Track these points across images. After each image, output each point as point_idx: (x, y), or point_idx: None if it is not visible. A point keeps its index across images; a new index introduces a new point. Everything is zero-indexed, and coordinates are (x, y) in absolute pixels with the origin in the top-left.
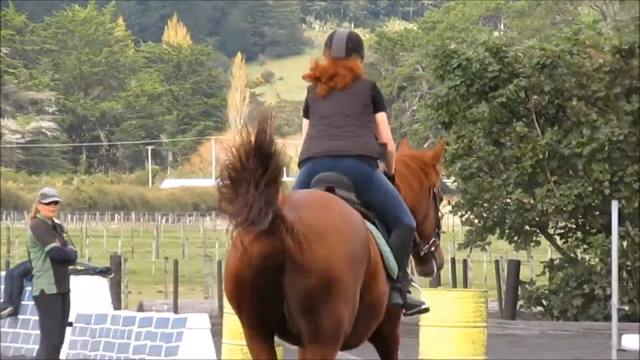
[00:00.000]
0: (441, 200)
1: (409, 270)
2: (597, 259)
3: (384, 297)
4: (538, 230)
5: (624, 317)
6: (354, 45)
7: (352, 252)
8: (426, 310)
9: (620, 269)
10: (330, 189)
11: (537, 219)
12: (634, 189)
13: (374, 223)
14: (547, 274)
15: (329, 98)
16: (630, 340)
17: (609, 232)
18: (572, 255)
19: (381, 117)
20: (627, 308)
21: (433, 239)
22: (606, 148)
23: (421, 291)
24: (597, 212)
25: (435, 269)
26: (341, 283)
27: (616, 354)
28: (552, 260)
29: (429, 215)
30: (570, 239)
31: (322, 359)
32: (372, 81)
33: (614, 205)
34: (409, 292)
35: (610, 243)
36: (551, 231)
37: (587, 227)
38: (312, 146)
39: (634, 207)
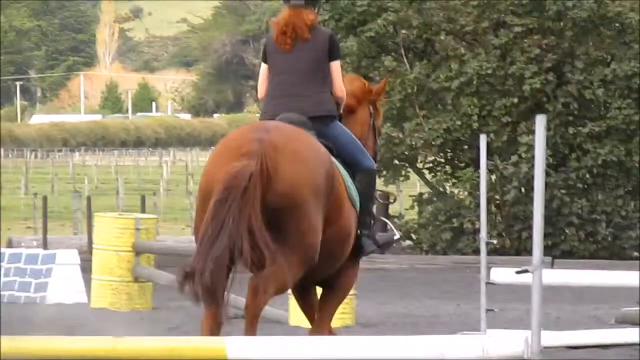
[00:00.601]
0: (379, 134)
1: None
2: (465, 193)
3: (351, 228)
4: (407, 165)
5: (492, 251)
6: None
7: (317, 179)
8: (398, 239)
9: (488, 202)
10: None
11: (406, 153)
12: (502, 122)
13: (336, 158)
14: (416, 208)
15: (288, 52)
16: (499, 274)
17: (477, 166)
18: (441, 189)
19: (335, 65)
20: (495, 242)
21: None
22: (474, 82)
23: (396, 234)
24: (466, 146)
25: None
26: (306, 204)
27: (485, 287)
28: (421, 194)
29: (368, 145)
30: (439, 173)
31: (283, 265)
32: (330, 32)
33: (482, 139)
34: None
35: (478, 177)
36: (420, 165)
37: (456, 161)
38: (272, 106)
39: (502, 141)
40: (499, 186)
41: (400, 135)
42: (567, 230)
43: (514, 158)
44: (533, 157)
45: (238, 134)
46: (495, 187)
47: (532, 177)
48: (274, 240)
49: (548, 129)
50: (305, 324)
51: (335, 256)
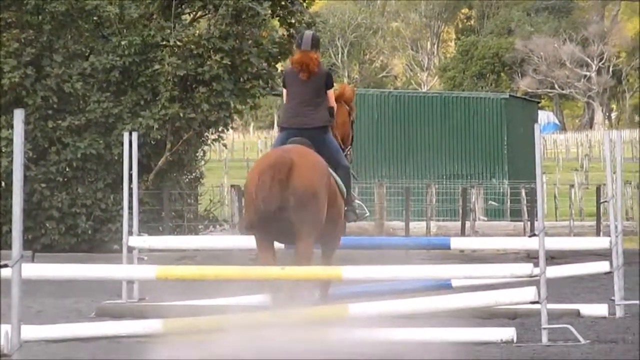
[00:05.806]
0: (353, 123)
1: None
2: None
3: (341, 207)
4: None
5: None
6: (316, 42)
7: (323, 180)
8: (368, 215)
9: None
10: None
11: None
12: None
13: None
14: None
15: (302, 83)
16: None
17: None
18: None
19: (330, 92)
20: None
21: (349, 148)
22: None
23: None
24: None
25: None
26: (317, 196)
27: None
28: None
29: (348, 133)
30: None
31: (309, 241)
32: (327, 70)
33: None
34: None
35: None
36: None
37: None
38: (289, 119)
39: None
40: None
41: None
42: (47, 224)
43: None
44: (13, 151)
45: (271, 153)
46: None
47: (12, 171)
48: (300, 219)
49: (28, 122)
50: None
51: (336, 226)
